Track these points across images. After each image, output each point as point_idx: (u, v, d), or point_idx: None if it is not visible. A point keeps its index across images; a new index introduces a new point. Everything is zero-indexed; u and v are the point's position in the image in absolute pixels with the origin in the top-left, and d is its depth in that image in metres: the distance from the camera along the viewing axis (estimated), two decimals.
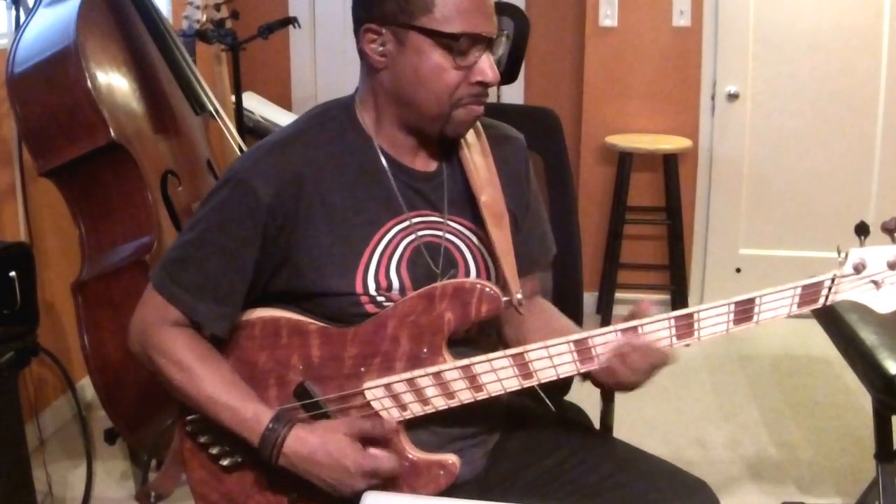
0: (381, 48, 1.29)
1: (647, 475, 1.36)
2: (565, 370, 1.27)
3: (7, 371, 2.03)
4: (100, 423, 2.60)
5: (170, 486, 1.46)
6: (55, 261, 2.77)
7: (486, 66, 1.27)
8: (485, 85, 1.29)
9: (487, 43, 1.28)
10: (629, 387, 1.29)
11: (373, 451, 1.26)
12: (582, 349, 1.25)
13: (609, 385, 1.31)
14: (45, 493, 2.41)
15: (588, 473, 1.37)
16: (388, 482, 1.29)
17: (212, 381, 1.27)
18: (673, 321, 1.23)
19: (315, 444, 1.24)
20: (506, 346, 1.38)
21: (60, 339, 2.76)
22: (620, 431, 1.66)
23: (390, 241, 1.32)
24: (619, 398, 1.71)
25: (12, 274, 2.04)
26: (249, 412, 1.26)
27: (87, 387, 2.78)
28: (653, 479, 1.36)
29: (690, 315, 1.23)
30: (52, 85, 2.06)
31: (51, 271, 2.73)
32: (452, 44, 1.24)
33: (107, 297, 2.12)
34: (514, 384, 1.27)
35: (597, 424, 1.72)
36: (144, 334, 1.32)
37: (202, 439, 1.34)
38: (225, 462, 1.33)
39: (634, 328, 1.26)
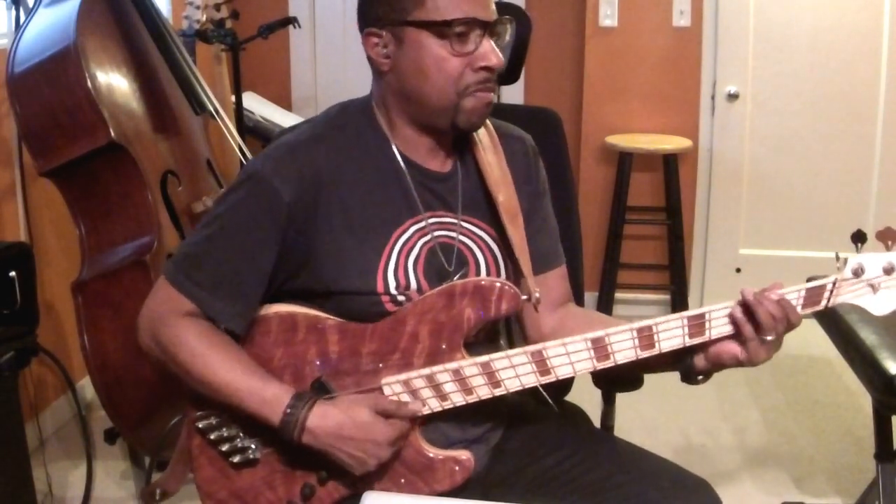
0: (383, 50, 1.30)
1: (648, 474, 1.37)
2: (582, 367, 1.27)
3: (7, 371, 2.03)
4: (100, 423, 2.60)
5: (176, 484, 1.45)
6: (55, 261, 2.77)
7: (489, 49, 1.27)
8: (489, 70, 1.28)
9: (486, 28, 1.28)
10: (755, 356, 1.25)
11: (393, 420, 1.27)
12: (598, 346, 1.26)
13: (731, 365, 1.28)
14: (45, 493, 2.41)
15: (589, 472, 1.37)
16: (404, 477, 1.30)
17: (228, 366, 1.27)
18: (686, 321, 1.25)
19: (341, 418, 1.24)
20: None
21: (60, 339, 2.76)
22: (621, 431, 1.66)
23: (407, 240, 1.33)
24: (620, 398, 1.71)
25: (12, 274, 2.04)
26: (269, 393, 1.25)
27: (87, 387, 2.78)
28: (654, 478, 1.36)
29: (702, 315, 1.25)
30: (52, 85, 2.06)
31: (51, 271, 2.73)
32: (447, 31, 1.25)
33: (107, 297, 2.12)
34: (531, 380, 1.28)
35: (598, 424, 1.72)
36: (156, 325, 1.31)
37: (212, 436, 1.33)
38: (235, 459, 1.33)
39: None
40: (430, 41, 1.26)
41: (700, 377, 1.33)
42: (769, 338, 1.23)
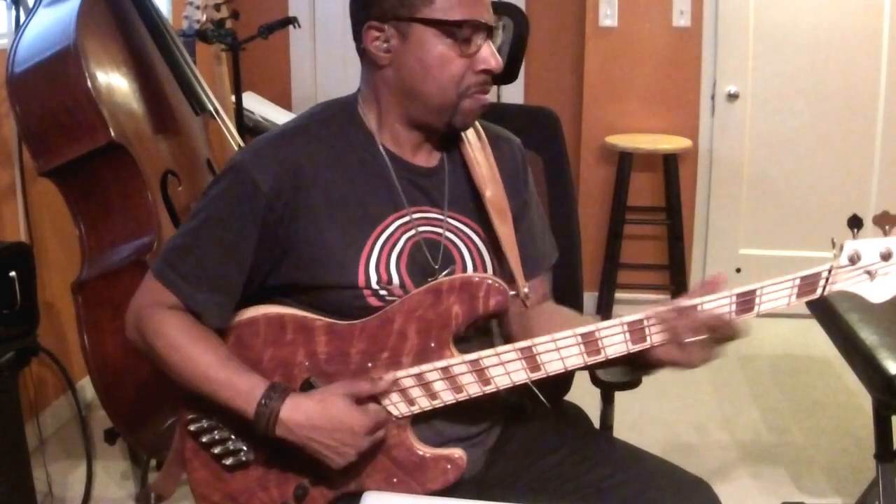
0: (384, 44, 1.30)
1: (647, 474, 1.37)
2: (573, 362, 1.27)
3: (7, 371, 2.03)
4: (100, 423, 2.60)
5: (170, 486, 1.46)
6: (55, 261, 2.77)
7: (489, 53, 1.29)
8: (489, 73, 1.30)
9: (488, 31, 1.29)
10: (689, 365, 1.25)
11: (370, 406, 1.26)
12: (589, 341, 1.25)
13: (669, 366, 1.28)
14: (45, 493, 2.41)
15: (588, 472, 1.37)
16: (396, 476, 1.30)
17: (206, 359, 1.27)
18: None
19: (314, 410, 1.24)
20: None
21: (60, 339, 2.77)
22: (620, 431, 1.66)
23: (391, 235, 1.33)
24: (619, 398, 1.71)
25: (12, 274, 2.04)
26: (244, 384, 1.25)
27: (87, 387, 2.78)
28: (653, 477, 1.36)
29: (695, 307, 1.24)
30: (52, 85, 2.06)
31: (51, 271, 2.73)
32: (456, 31, 1.26)
33: (107, 297, 2.12)
34: (522, 377, 1.27)
35: (597, 424, 1.72)
36: (140, 318, 1.32)
37: (204, 439, 1.33)
38: (228, 461, 1.33)
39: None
40: (437, 40, 1.27)
41: (647, 372, 1.33)
42: (688, 339, 1.22)
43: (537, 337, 1.26)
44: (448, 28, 1.26)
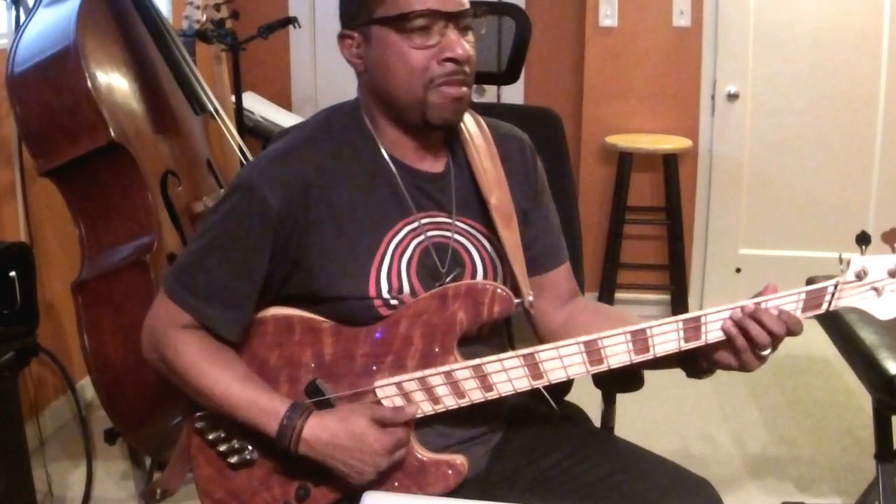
0: (356, 51, 1.33)
1: (649, 473, 1.36)
2: (575, 371, 1.27)
3: (7, 371, 2.03)
4: (100, 423, 2.60)
5: (175, 483, 1.46)
6: (55, 261, 2.77)
7: (453, 41, 1.27)
8: (455, 62, 1.27)
9: (451, 19, 1.27)
10: (748, 366, 1.25)
11: (390, 428, 1.27)
12: (591, 350, 1.25)
13: (726, 367, 1.27)
14: (45, 493, 2.41)
15: (590, 472, 1.37)
16: (398, 480, 1.30)
17: (226, 378, 1.28)
18: (681, 324, 1.24)
19: (337, 428, 1.24)
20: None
21: (60, 339, 2.76)
22: (621, 432, 1.66)
23: (400, 241, 1.33)
24: (620, 399, 1.71)
25: (12, 274, 2.04)
26: (266, 403, 1.26)
27: (87, 387, 2.78)
28: (655, 477, 1.35)
29: (698, 318, 1.24)
30: (52, 85, 2.06)
31: (51, 271, 2.73)
32: (405, 24, 1.26)
33: (107, 297, 2.12)
34: (524, 384, 1.28)
35: (598, 425, 1.72)
36: (157, 339, 1.33)
37: (210, 436, 1.34)
38: (232, 459, 1.34)
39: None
40: (393, 37, 1.27)
41: (704, 375, 1.33)
42: (765, 353, 1.22)
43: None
44: (398, 22, 1.26)
